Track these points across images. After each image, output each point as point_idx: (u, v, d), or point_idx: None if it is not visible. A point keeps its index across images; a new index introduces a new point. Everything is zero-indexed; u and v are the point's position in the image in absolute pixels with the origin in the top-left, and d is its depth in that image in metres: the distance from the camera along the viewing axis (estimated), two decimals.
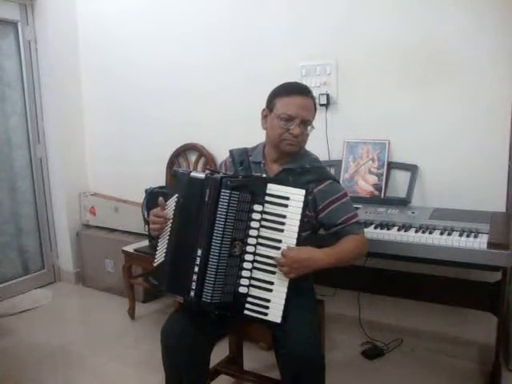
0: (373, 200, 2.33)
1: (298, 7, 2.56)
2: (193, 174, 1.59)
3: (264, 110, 1.73)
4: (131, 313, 2.90)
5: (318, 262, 1.53)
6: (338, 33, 2.47)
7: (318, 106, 2.47)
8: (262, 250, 1.52)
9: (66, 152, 3.40)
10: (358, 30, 2.42)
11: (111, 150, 3.43)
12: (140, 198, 2.84)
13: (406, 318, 2.54)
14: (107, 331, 2.77)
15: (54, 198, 3.46)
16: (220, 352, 2.05)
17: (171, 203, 1.61)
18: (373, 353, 2.38)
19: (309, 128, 1.68)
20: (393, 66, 2.36)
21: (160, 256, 1.62)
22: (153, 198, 2.62)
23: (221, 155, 2.89)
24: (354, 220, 1.66)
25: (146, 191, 2.72)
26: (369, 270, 2.35)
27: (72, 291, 3.43)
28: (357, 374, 2.24)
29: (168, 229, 1.61)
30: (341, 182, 2.41)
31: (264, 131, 1.75)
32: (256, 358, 2.35)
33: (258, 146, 1.82)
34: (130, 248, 2.85)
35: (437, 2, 2.23)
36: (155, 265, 1.63)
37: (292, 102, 1.63)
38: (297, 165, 1.70)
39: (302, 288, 1.61)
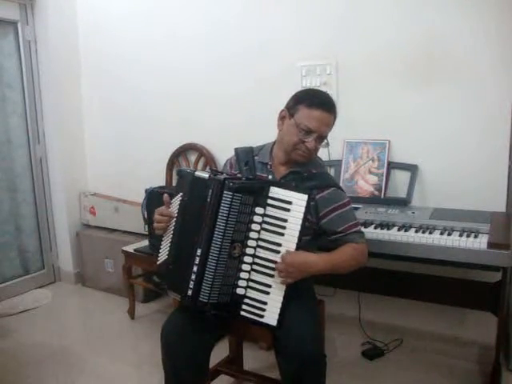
0: (373, 200, 2.33)
1: (298, 7, 2.56)
2: (197, 173, 1.58)
3: (283, 110, 1.67)
4: (131, 313, 2.90)
5: (313, 267, 1.53)
6: (338, 33, 2.47)
7: None
8: (261, 252, 1.52)
9: (66, 152, 3.40)
10: (358, 30, 2.42)
11: (111, 150, 3.43)
12: (140, 198, 2.84)
13: (406, 318, 2.54)
14: (107, 331, 2.77)
15: (53, 198, 3.46)
16: (220, 352, 2.04)
17: (176, 202, 1.61)
18: (373, 353, 2.38)
19: (324, 143, 1.66)
20: (393, 66, 2.36)
21: (163, 254, 1.63)
22: (153, 198, 2.62)
23: (221, 155, 2.89)
24: (354, 229, 1.64)
25: (146, 191, 2.72)
26: (369, 270, 2.33)
27: (72, 291, 3.42)
28: (357, 374, 2.24)
29: (171, 227, 1.61)
30: (341, 182, 2.41)
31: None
32: (256, 358, 2.35)
33: (264, 145, 1.79)
34: (129, 248, 2.85)
35: (438, 3, 2.23)
36: (158, 263, 1.63)
37: (315, 116, 1.58)
38: (304, 169, 1.69)
39: (301, 288, 1.61)
